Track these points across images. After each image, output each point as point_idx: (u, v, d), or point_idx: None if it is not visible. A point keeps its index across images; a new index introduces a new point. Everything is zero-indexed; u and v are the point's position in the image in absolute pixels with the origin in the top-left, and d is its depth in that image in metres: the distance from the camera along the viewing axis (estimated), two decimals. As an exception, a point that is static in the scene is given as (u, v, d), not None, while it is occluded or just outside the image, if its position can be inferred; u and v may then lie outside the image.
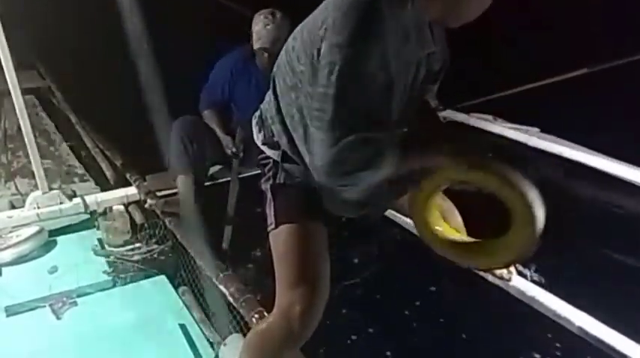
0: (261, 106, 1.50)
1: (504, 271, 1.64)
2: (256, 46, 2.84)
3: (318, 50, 1.22)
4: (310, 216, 1.42)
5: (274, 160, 1.46)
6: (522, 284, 1.70)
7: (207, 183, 3.04)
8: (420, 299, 2.87)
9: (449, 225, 1.43)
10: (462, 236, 1.44)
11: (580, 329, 1.57)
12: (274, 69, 1.44)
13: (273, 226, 1.44)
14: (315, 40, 1.23)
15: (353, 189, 1.28)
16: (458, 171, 1.27)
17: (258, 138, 1.50)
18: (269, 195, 1.47)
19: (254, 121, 1.51)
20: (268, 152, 1.47)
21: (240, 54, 3.01)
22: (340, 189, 1.31)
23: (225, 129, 2.98)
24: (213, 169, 3.10)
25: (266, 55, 2.84)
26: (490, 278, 1.71)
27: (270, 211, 1.46)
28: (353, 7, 1.16)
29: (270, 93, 1.44)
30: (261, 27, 2.82)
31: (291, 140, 1.40)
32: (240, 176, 2.98)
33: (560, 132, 3.23)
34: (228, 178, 3.03)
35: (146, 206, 2.78)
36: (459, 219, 1.58)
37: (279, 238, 1.43)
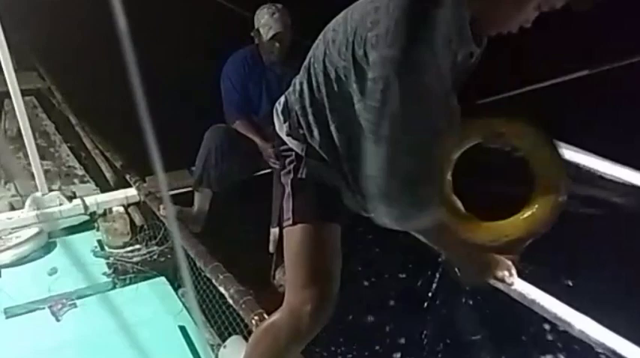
0: (287, 95, 1.44)
1: (506, 273, 1.63)
2: (268, 35, 2.87)
3: (365, 53, 1.17)
4: (328, 216, 1.41)
5: (297, 153, 1.42)
6: (523, 287, 1.70)
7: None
8: (420, 300, 2.87)
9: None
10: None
11: (581, 332, 1.56)
12: (310, 59, 1.37)
13: (290, 223, 1.42)
14: (362, 38, 1.17)
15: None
16: (497, 124, 1.25)
17: (282, 128, 1.44)
18: (288, 189, 1.43)
19: (278, 110, 1.46)
20: (292, 144, 1.42)
21: (245, 55, 3.01)
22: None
23: (262, 136, 2.94)
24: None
25: (278, 44, 2.89)
26: (491, 281, 1.70)
27: (287, 206, 1.43)
28: (405, 15, 1.10)
29: (303, 82, 1.38)
30: (267, 17, 2.87)
31: (323, 134, 1.36)
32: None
33: (560, 133, 3.23)
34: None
35: (162, 212, 2.78)
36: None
37: (295, 236, 1.42)
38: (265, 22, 2.87)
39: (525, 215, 1.26)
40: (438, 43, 1.10)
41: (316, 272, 1.40)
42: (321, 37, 1.35)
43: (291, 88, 1.44)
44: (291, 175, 1.43)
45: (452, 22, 1.13)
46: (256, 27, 2.92)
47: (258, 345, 1.54)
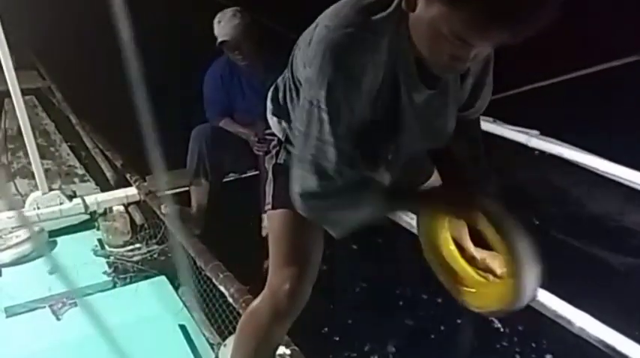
0: (278, 81, 1.46)
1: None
2: (217, 45, 2.87)
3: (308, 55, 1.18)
4: None
5: (279, 138, 1.45)
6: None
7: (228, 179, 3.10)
8: (420, 298, 2.87)
9: (458, 252, 1.39)
10: (465, 267, 1.37)
11: (581, 329, 1.57)
12: (295, 50, 1.37)
13: (270, 207, 1.47)
14: (308, 43, 1.18)
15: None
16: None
17: (270, 110, 1.47)
18: (270, 174, 1.48)
19: (270, 94, 1.48)
20: (274, 128, 1.45)
21: (224, 62, 3.04)
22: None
23: (246, 128, 3.00)
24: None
25: (234, 52, 2.89)
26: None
27: (269, 191, 1.47)
28: (327, 44, 1.08)
29: (288, 71, 1.39)
30: (215, 26, 2.89)
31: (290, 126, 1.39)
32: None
33: (560, 134, 3.23)
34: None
35: (164, 211, 2.79)
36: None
37: (275, 221, 1.46)
38: (215, 31, 2.88)
39: (499, 287, 1.25)
40: (365, 69, 1.08)
41: (295, 254, 1.44)
42: (298, 41, 1.35)
43: (281, 76, 1.45)
44: (273, 160, 1.46)
45: (393, 52, 1.10)
46: None
47: (243, 330, 1.59)
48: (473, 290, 1.31)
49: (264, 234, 2.85)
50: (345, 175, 1.16)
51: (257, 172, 3.04)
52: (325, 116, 1.11)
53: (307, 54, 1.16)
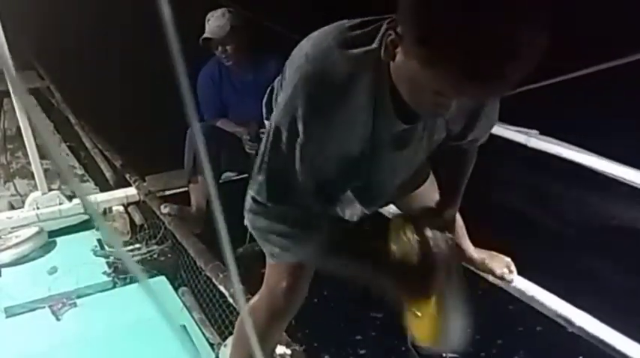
0: (275, 83, 1.45)
1: (505, 271, 1.64)
2: (200, 40, 2.88)
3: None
4: None
5: None
6: (522, 284, 1.70)
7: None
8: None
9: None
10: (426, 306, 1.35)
11: (580, 328, 1.57)
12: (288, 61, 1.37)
13: None
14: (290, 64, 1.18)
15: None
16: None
17: (264, 113, 1.47)
18: None
19: (265, 97, 1.48)
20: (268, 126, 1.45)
21: (215, 64, 3.03)
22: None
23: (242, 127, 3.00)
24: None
25: (218, 49, 2.89)
26: (491, 278, 1.71)
27: None
28: (303, 75, 1.07)
29: (279, 78, 1.38)
30: (206, 24, 2.89)
31: None
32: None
33: (560, 134, 3.23)
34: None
35: (163, 210, 2.79)
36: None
37: None
38: (206, 27, 2.89)
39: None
40: (339, 104, 1.06)
41: None
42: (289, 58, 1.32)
43: (278, 77, 1.44)
44: None
45: (369, 89, 1.07)
46: None
47: (241, 329, 1.60)
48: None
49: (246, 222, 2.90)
50: (293, 204, 1.15)
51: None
52: (285, 144, 1.09)
53: (285, 77, 1.17)
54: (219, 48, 2.90)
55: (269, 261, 1.41)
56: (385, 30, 1.04)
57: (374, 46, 1.04)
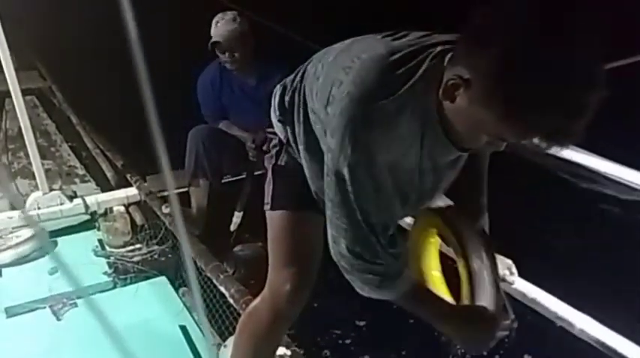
0: (287, 80, 1.43)
1: (507, 273, 1.63)
2: (210, 44, 2.87)
3: (327, 111, 1.17)
4: (306, 204, 1.41)
5: (280, 139, 1.44)
6: (524, 286, 1.70)
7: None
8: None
9: (441, 276, 1.44)
10: (443, 290, 1.42)
11: (582, 331, 1.56)
12: (309, 64, 1.35)
13: (269, 207, 1.47)
14: (329, 95, 1.16)
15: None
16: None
17: (275, 110, 1.44)
18: (270, 174, 1.47)
19: (277, 91, 1.44)
20: (277, 128, 1.44)
21: (215, 67, 3.02)
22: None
23: (245, 130, 2.99)
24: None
25: (225, 55, 2.87)
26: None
27: (268, 190, 1.46)
28: (350, 112, 1.07)
29: (297, 80, 1.36)
30: (213, 26, 2.87)
31: (293, 135, 1.37)
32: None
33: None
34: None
35: (164, 210, 2.79)
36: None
37: (274, 221, 1.46)
38: (212, 30, 2.87)
39: None
40: (388, 143, 1.07)
41: (294, 255, 1.44)
42: (316, 60, 1.32)
43: (292, 76, 1.42)
44: (273, 160, 1.45)
45: (417, 122, 1.08)
46: None
47: (243, 331, 1.59)
48: None
49: (232, 228, 2.97)
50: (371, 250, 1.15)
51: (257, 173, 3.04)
52: (351, 189, 1.10)
53: (328, 113, 1.14)
54: (226, 53, 2.88)
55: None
56: (432, 63, 1.05)
57: (419, 74, 1.06)
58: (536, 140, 0.95)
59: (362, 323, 2.80)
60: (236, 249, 3.08)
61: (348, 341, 2.72)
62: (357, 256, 1.15)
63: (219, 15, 2.90)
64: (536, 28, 0.91)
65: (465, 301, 1.29)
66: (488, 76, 0.93)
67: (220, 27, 2.85)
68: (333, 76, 1.16)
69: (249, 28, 2.90)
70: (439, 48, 1.08)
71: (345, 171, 1.09)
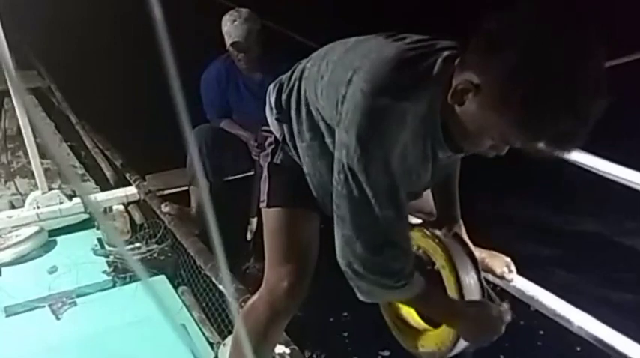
0: (282, 78, 1.44)
1: (505, 270, 1.64)
2: (228, 43, 2.84)
3: (338, 109, 1.17)
4: (302, 202, 1.42)
5: (276, 137, 1.44)
6: (522, 284, 1.70)
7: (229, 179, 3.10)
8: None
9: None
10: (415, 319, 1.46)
11: (580, 328, 1.56)
12: (309, 62, 1.36)
13: (265, 205, 1.47)
14: (338, 94, 1.17)
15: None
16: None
17: (271, 108, 1.45)
18: (265, 171, 1.48)
19: (273, 89, 1.45)
20: (273, 127, 1.44)
21: (220, 64, 3.00)
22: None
23: (247, 130, 2.97)
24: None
25: (241, 54, 2.85)
26: (490, 277, 1.70)
27: (264, 188, 1.47)
28: (364, 108, 1.09)
29: (295, 77, 1.37)
30: (229, 25, 2.83)
31: (291, 134, 1.38)
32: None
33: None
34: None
35: (164, 209, 2.79)
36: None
37: (270, 218, 1.47)
38: (227, 29, 2.82)
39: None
40: (399, 142, 1.10)
41: (291, 251, 1.45)
42: (316, 59, 1.32)
43: (287, 74, 1.43)
44: (269, 158, 1.46)
45: (423, 123, 1.10)
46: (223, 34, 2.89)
47: (241, 329, 1.57)
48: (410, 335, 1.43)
49: (248, 238, 2.93)
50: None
51: (253, 173, 3.04)
52: (367, 184, 1.11)
53: (341, 112, 1.14)
54: (244, 52, 2.84)
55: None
56: (442, 66, 1.07)
57: (433, 76, 1.07)
58: (540, 144, 0.97)
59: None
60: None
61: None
62: (378, 252, 1.16)
63: (233, 13, 2.84)
64: (546, 35, 0.93)
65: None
66: (498, 82, 0.95)
67: (239, 26, 2.80)
68: (341, 75, 1.17)
69: (261, 26, 2.87)
70: (446, 52, 1.10)
71: (362, 167, 1.10)
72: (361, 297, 1.24)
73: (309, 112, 1.31)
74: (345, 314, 3.01)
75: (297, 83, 1.35)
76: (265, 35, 2.91)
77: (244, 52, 2.85)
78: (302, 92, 1.33)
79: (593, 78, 0.92)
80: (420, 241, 1.44)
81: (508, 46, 0.93)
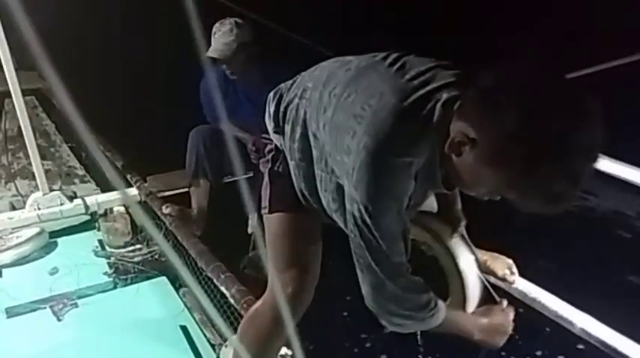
0: (282, 88, 1.44)
1: (507, 272, 1.64)
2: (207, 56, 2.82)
3: (344, 160, 1.18)
4: (303, 207, 1.42)
5: (276, 145, 1.45)
6: (524, 286, 1.70)
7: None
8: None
9: None
10: None
11: (582, 330, 1.56)
12: (310, 83, 1.35)
13: (267, 211, 1.47)
14: (343, 142, 1.17)
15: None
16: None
17: (270, 119, 1.44)
18: (266, 178, 1.48)
19: (272, 99, 1.44)
20: (273, 136, 1.44)
21: (217, 70, 2.97)
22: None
23: (245, 132, 2.96)
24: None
25: (224, 65, 2.83)
26: (492, 279, 1.70)
27: (265, 194, 1.47)
28: (370, 166, 1.10)
29: (296, 94, 1.36)
30: (213, 37, 2.80)
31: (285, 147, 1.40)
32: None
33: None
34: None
35: (165, 211, 2.79)
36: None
37: (273, 224, 1.47)
38: (212, 41, 2.80)
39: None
40: (404, 189, 1.12)
41: (295, 257, 1.45)
42: (319, 85, 1.30)
43: (288, 84, 1.42)
44: (269, 165, 1.47)
45: (425, 170, 1.13)
46: None
47: (245, 334, 1.58)
48: None
49: (249, 231, 2.91)
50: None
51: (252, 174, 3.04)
52: (377, 235, 1.14)
53: (346, 164, 1.15)
54: (224, 65, 2.84)
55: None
56: (441, 113, 1.07)
57: (430, 131, 1.08)
58: (533, 202, 0.99)
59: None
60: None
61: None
62: (411, 290, 1.22)
63: (217, 24, 2.81)
64: (544, 97, 0.94)
65: (454, 296, 1.42)
66: (495, 141, 0.96)
67: (217, 40, 2.77)
68: (343, 122, 1.17)
69: (250, 38, 2.81)
70: (445, 95, 1.09)
71: (375, 223, 1.13)
72: (395, 328, 1.29)
73: (303, 135, 1.31)
74: (345, 314, 3.01)
75: (296, 100, 1.35)
76: (254, 45, 2.85)
77: (226, 64, 2.84)
78: (301, 113, 1.32)
79: (588, 142, 0.92)
80: (419, 236, 1.47)
81: (505, 108, 0.93)
